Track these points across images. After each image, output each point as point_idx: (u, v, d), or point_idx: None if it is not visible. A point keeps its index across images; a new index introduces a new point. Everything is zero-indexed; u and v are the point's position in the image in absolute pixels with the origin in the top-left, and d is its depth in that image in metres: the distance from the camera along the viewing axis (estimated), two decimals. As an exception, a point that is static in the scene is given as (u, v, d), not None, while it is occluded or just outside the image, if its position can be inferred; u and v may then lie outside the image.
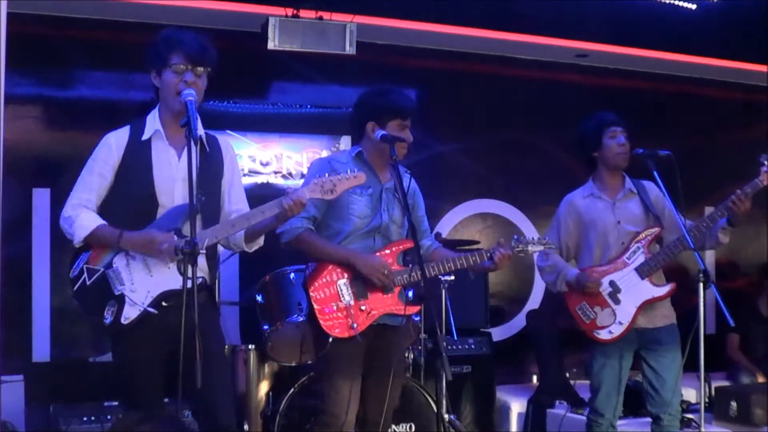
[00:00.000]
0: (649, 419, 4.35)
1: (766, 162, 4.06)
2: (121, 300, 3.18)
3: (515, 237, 3.85)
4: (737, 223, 4.13)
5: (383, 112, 3.78)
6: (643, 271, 4.19)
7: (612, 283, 4.22)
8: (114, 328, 3.19)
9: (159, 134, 3.29)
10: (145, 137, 3.29)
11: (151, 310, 3.17)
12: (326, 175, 3.34)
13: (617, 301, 4.21)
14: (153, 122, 3.31)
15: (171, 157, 3.29)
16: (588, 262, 4.32)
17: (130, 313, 3.17)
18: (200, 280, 3.19)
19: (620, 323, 4.19)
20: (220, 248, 3.49)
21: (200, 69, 3.24)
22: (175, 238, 3.12)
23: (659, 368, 4.22)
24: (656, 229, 4.25)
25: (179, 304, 2.84)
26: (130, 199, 3.26)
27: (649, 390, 4.27)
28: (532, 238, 3.88)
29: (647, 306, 4.20)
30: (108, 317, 3.18)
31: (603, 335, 4.22)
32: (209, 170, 3.29)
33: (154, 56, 3.27)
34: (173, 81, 3.21)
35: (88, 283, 3.22)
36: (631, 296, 4.20)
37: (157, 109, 3.34)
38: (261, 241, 3.48)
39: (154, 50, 3.26)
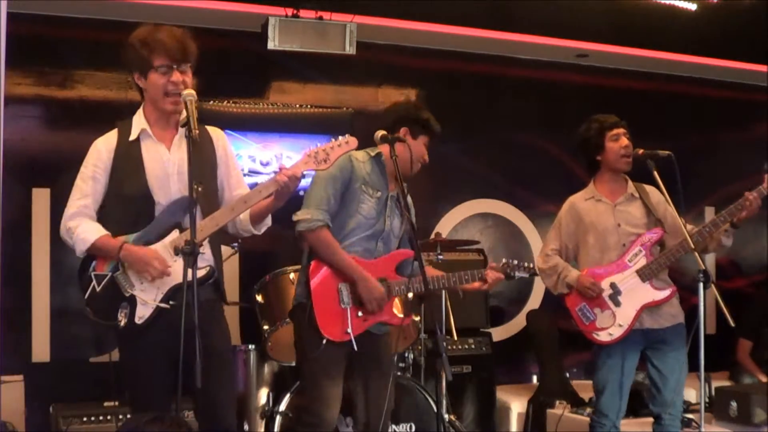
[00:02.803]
0: (650, 419, 4.35)
1: None
2: (132, 301, 3.18)
3: (505, 260, 3.91)
4: (740, 224, 4.12)
5: (421, 125, 3.92)
6: (644, 274, 4.18)
7: (613, 285, 4.21)
8: (129, 330, 3.18)
9: (146, 132, 3.28)
10: (132, 137, 3.28)
11: (163, 305, 3.17)
12: (317, 144, 3.29)
13: (617, 304, 4.20)
14: (139, 122, 3.31)
15: (161, 152, 3.28)
16: (587, 263, 4.31)
17: (143, 313, 3.17)
18: (208, 269, 3.19)
19: (620, 325, 4.18)
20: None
21: (184, 66, 3.24)
22: (170, 270, 3.14)
23: (663, 368, 4.21)
24: (658, 232, 4.24)
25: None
26: (127, 201, 3.25)
27: (651, 389, 4.27)
28: (521, 264, 3.92)
29: (653, 306, 4.20)
30: (122, 319, 3.17)
31: (602, 337, 4.21)
32: (203, 160, 3.27)
33: (134, 58, 3.25)
34: (161, 83, 3.21)
35: (97, 289, 3.21)
36: (631, 299, 4.19)
37: (141, 108, 3.34)
38: (269, 221, 3.43)
39: (134, 52, 3.24)
